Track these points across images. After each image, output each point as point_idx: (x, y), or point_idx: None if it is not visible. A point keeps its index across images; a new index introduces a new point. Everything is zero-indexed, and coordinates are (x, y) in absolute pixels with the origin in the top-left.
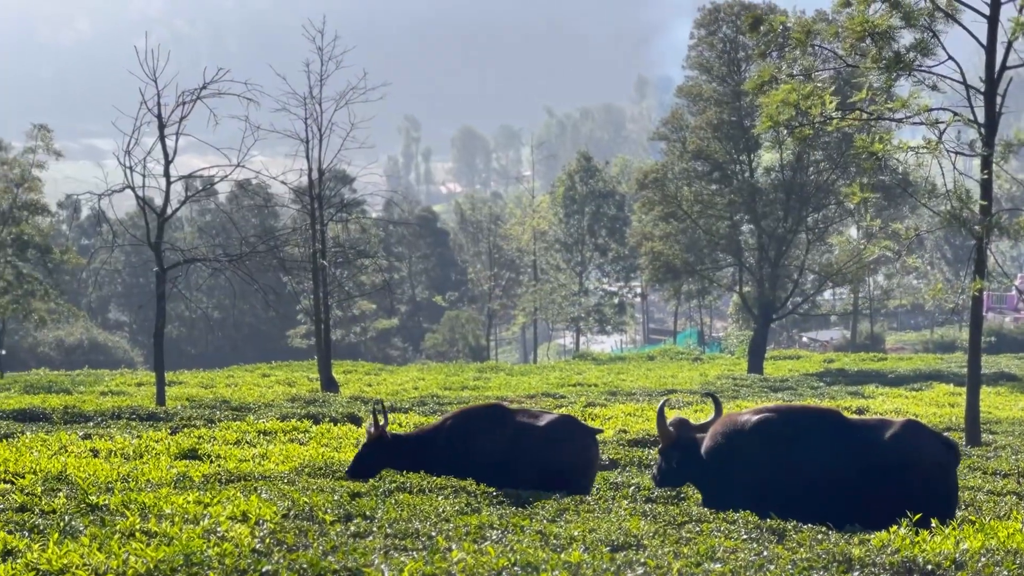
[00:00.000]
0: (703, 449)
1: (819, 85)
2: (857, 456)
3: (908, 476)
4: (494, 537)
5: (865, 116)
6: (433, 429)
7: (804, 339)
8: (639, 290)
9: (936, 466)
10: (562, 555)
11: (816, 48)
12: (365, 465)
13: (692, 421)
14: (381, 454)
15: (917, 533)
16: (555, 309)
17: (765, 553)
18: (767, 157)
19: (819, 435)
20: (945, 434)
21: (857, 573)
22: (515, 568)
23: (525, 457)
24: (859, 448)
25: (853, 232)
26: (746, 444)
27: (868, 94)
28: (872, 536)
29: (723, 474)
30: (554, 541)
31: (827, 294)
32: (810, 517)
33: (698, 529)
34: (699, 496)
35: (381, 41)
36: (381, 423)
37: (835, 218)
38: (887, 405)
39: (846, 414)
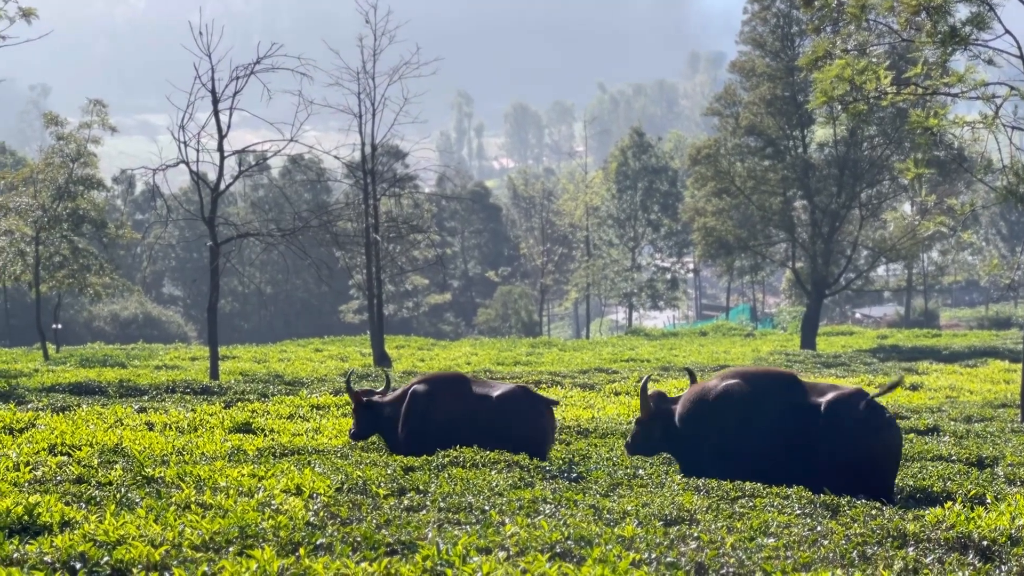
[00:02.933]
0: (676, 417)
1: (874, 60)
2: (799, 421)
3: (836, 444)
4: (547, 511)
5: (920, 91)
6: (400, 394)
7: (857, 315)
8: (691, 266)
9: (865, 437)
10: (615, 529)
11: (871, 22)
12: (359, 428)
13: (668, 394)
14: (366, 417)
15: (972, 509)
16: (607, 285)
17: (819, 528)
18: (820, 132)
19: (773, 399)
20: (889, 411)
21: (912, 548)
22: (568, 542)
23: (479, 427)
24: (801, 413)
25: (907, 208)
26: (712, 409)
27: (923, 69)
28: (927, 512)
29: (694, 439)
30: (607, 515)
31: (880, 270)
32: (768, 478)
33: (751, 504)
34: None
35: (434, 16)
36: (357, 390)
37: (889, 194)
38: (941, 381)
39: (803, 378)
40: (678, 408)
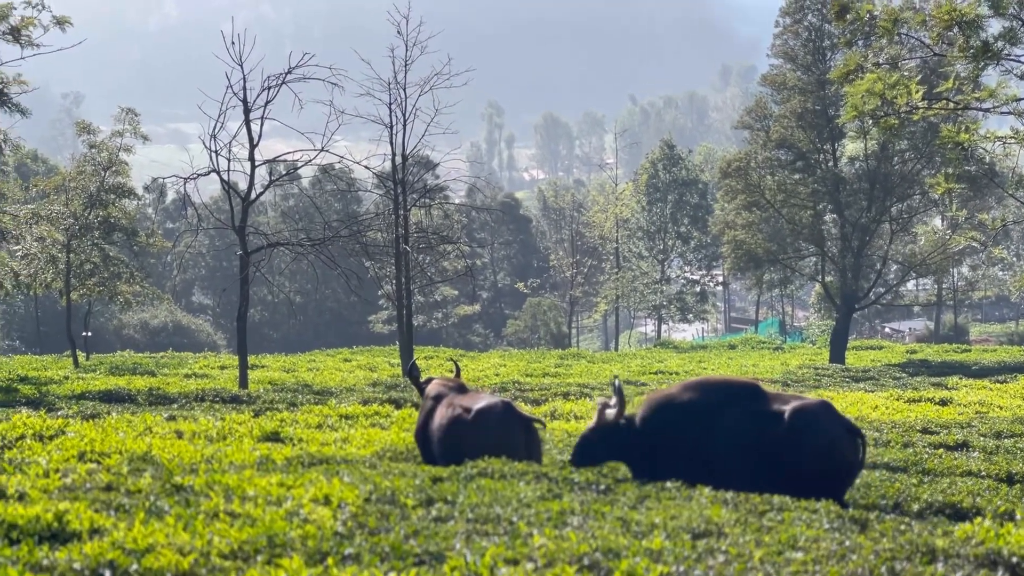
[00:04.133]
0: (638, 422)
1: (905, 74)
2: (761, 429)
3: (798, 453)
4: (575, 523)
5: (952, 106)
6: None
7: (887, 329)
8: (721, 278)
9: (828, 447)
10: (643, 542)
11: (903, 36)
12: None
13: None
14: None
15: (1002, 525)
16: (637, 297)
17: (847, 543)
18: (851, 146)
19: (736, 407)
20: (853, 421)
21: (941, 564)
22: (596, 554)
23: (454, 439)
24: (764, 422)
25: (938, 222)
26: (675, 415)
27: (955, 83)
28: (956, 527)
29: (655, 446)
30: (635, 528)
31: (910, 285)
32: (729, 486)
33: (780, 518)
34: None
35: (465, 27)
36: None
37: (919, 208)
38: (971, 397)
39: (765, 387)
40: (640, 413)
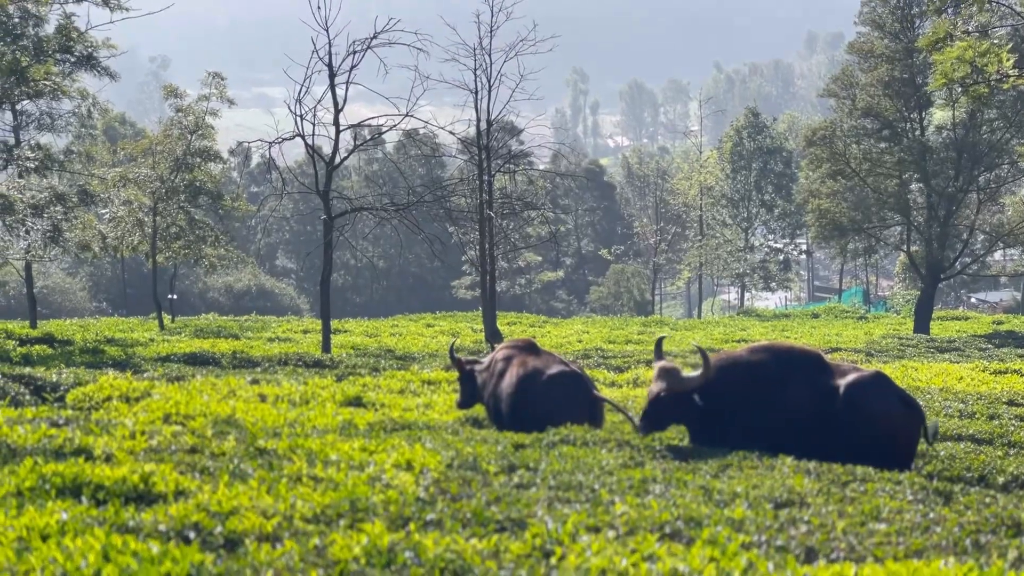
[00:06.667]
0: (707, 386)
1: (996, 42)
2: (820, 399)
3: (854, 424)
4: (657, 491)
5: None
6: (489, 360)
7: (972, 300)
8: (804, 247)
9: (884, 419)
10: (725, 511)
11: (993, 4)
12: (463, 397)
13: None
14: (469, 386)
15: None
16: (720, 265)
17: (931, 515)
18: (939, 115)
19: (800, 376)
20: (908, 393)
21: None
22: (678, 522)
23: (522, 403)
24: (822, 392)
25: None
26: (739, 380)
27: None
28: None
29: (718, 409)
30: (717, 496)
31: (997, 255)
32: (789, 452)
33: (863, 488)
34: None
35: None
36: (460, 359)
37: (1008, 178)
38: None
39: (826, 358)
40: (713, 377)
